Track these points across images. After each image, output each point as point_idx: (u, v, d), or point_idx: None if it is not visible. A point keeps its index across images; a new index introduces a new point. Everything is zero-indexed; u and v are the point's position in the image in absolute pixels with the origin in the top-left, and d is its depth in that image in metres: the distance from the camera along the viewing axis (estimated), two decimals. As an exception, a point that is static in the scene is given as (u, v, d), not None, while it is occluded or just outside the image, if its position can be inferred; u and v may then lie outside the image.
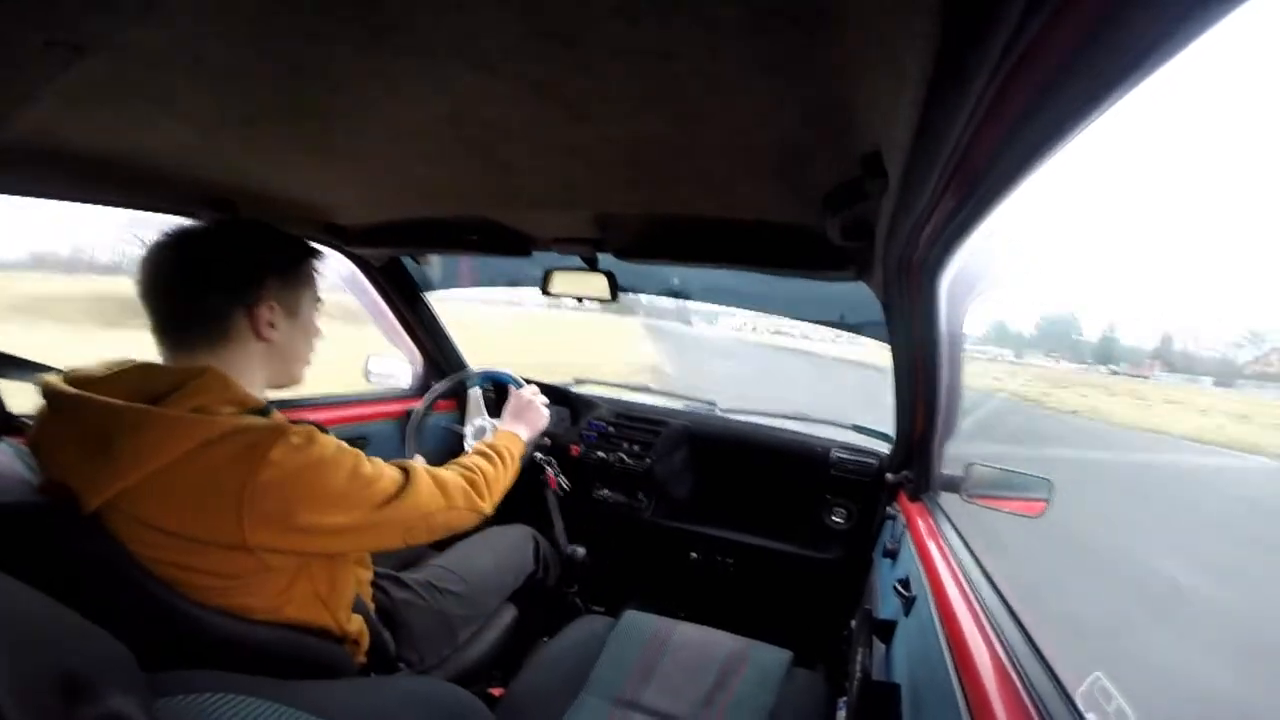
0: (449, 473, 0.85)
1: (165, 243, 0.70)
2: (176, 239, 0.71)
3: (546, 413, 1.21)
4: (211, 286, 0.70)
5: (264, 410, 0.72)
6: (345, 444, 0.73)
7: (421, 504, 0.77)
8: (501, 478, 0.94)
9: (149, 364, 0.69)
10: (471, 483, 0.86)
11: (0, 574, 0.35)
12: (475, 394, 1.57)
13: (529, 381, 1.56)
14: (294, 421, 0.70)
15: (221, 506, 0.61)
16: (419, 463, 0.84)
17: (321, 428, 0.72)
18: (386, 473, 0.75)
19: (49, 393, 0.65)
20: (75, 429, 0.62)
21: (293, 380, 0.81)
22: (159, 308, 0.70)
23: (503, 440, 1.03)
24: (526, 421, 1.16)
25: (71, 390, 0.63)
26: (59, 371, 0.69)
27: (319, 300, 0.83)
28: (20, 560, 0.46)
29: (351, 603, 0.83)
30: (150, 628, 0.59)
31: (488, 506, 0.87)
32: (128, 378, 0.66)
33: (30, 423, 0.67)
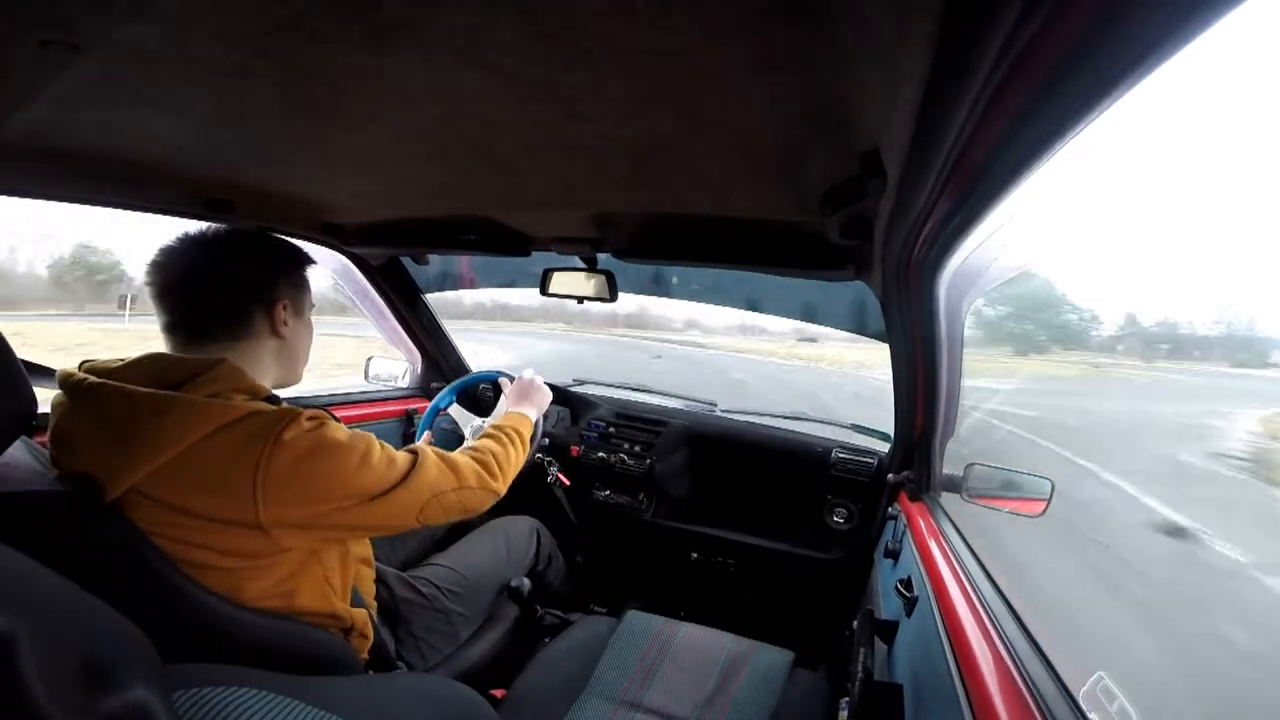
0: (459, 455, 0.86)
1: (188, 244, 0.75)
2: (199, 242, 0.76)
3: (549, 391, 1.24)
4: (236, 286, 0.75)
5: (274, 399, 0.74)
6: (358, 431, 0.75)
7: (431, 482, 0.78)
8: (513, 457, 0.94)
9: (164, 354, 0.71)
10: (483, 464, 0.87)
11: (26, 559, 0.34)
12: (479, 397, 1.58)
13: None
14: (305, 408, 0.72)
15: (238, 486, 0.63)
16: (427, 446, 0.86)
17: (333, 415, 0.74)
18: (397, 456, 0.78)
19: (70, 383, 0.66)
20: (97, 417, 0.64)
21: (295, 379, 0.85)
22: (179, 306, 0.73)
23: (511, 421, 1.04)
24: (532, 401, 1.17)
25: (94, 379, 0.65)
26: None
27: (313, 304, 0.87)
28: (43, 546, 0.46)
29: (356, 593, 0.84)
30: (165, 618, 0.59)
31: (501, 486, 0.88)
32: (144, 367, 0.68)
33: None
